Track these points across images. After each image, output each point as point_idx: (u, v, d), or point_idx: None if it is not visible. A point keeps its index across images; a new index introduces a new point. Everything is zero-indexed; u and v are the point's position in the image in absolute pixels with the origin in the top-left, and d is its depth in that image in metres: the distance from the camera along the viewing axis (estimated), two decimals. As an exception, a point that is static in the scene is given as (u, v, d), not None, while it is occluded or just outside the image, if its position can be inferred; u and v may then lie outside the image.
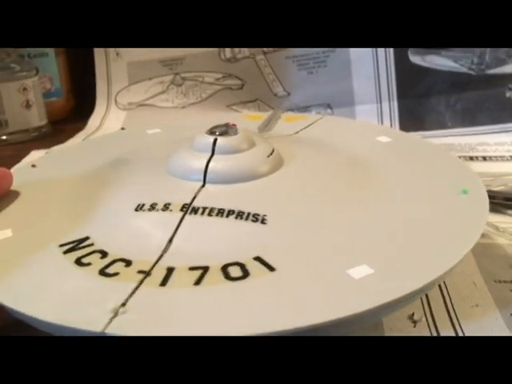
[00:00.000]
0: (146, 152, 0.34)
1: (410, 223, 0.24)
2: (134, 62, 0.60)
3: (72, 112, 0.64)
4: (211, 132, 0.29)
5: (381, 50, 0.51)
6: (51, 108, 0.60)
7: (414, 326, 0.25)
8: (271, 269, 0.21)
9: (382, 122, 0.52)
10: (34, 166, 0.34)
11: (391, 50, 0.51)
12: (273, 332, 0.17)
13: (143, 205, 0.25)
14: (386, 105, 0.52)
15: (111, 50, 0.61)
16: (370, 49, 0.51)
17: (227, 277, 0.20)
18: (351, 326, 0.20)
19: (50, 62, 0.60)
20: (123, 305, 0.19)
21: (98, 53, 0.61)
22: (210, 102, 0.58)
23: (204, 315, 0.18)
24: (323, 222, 0.24)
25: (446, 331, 0.25)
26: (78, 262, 0.22)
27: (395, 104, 0.52)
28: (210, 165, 0.26)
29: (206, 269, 0.21)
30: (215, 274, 0.20)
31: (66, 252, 0.23)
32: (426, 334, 0.25)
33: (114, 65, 0.61)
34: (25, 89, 0.54)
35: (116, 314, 0.18)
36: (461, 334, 0.24)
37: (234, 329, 0.17)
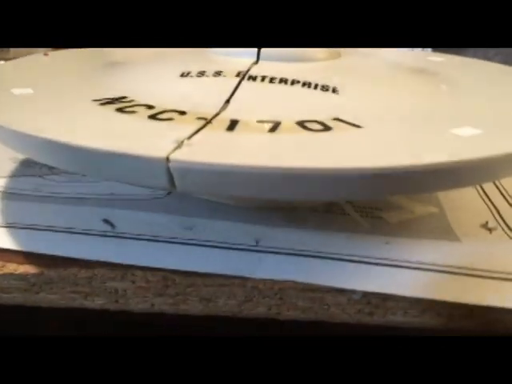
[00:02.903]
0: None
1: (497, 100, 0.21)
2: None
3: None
4: None
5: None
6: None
7: (490, 233, 0.23)
8: (356, 126, 0.17)
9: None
10: (46, 54, 0.30)
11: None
12: (373, 168, 0.14)
13: (189, 72, 0.21)
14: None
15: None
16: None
17: (305, 128, 0.17)
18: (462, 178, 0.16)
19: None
20: (188, 139, 0.15)
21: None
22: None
23: (281, 152, 0.15)
24: (405, 93, 0.20)
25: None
26: (120, 110, 0.18)
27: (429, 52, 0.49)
28: None
29: (278, 122, 0.17)
30: (291, 126, 0.17)
31: (102, 104, 0.19)
32: (506, 239, 0.22)
33: None
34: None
35: (181, 144, 0.14)
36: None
37: (317, 162, 0.14)
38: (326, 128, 0.17)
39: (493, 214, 0.24)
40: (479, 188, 0.27)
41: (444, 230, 0.22)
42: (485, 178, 0.17)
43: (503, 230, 0.23)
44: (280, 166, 0.13)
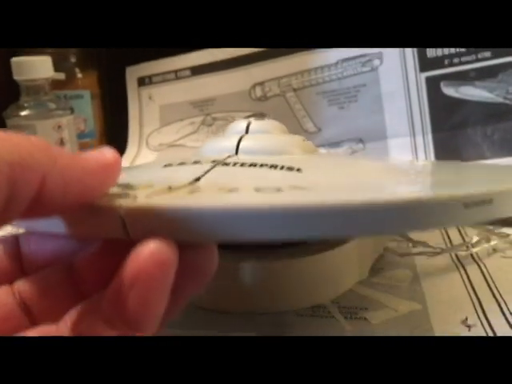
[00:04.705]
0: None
1: None
2: (166, 104, 0.61)
3: (103, 154, 0.64)
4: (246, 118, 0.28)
5: (412, 84, 0.51)
6: (84, 149, 0.60)
7: (469, 330, 0.23)
8: (304, 188, 0.19)
9: (416, 156, 0.50)
10: None
11: (423, 82, 0.50)
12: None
13: (171, 164, 0.24)
14: (419, 138, 0.50)
15: (144, 95, 0.62)
16: (401, 82, 0.51)
17: (259, 191, 0.18)
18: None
19: (85, 104, 0.61)
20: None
21: (132, 97, 0.63)
22: (240, 141, 0.58)
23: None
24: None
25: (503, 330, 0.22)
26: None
27: (429, 137, 0.50)
28: (244, 140, 0.26)
29: (236, 188, 0.19)
30: (247, 191, 0.18)
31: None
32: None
33: (147, 108, 0.62)
34: (59, 127, 0.55)
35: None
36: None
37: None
38: (279, 190, 0.18)
39: (475, 308, 0.24)
40: (466, 279, 0.27)
41: (423, 329, 0.22)
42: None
43: (482, 325, 0.23)
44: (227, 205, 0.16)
